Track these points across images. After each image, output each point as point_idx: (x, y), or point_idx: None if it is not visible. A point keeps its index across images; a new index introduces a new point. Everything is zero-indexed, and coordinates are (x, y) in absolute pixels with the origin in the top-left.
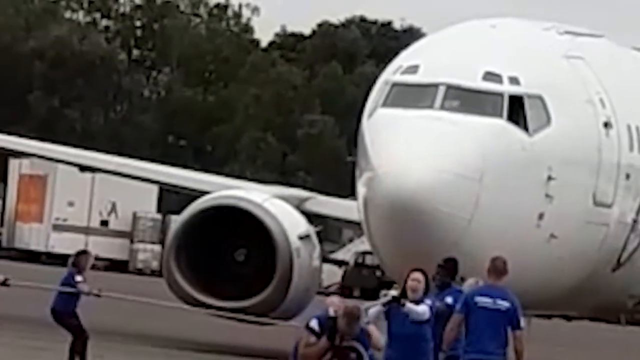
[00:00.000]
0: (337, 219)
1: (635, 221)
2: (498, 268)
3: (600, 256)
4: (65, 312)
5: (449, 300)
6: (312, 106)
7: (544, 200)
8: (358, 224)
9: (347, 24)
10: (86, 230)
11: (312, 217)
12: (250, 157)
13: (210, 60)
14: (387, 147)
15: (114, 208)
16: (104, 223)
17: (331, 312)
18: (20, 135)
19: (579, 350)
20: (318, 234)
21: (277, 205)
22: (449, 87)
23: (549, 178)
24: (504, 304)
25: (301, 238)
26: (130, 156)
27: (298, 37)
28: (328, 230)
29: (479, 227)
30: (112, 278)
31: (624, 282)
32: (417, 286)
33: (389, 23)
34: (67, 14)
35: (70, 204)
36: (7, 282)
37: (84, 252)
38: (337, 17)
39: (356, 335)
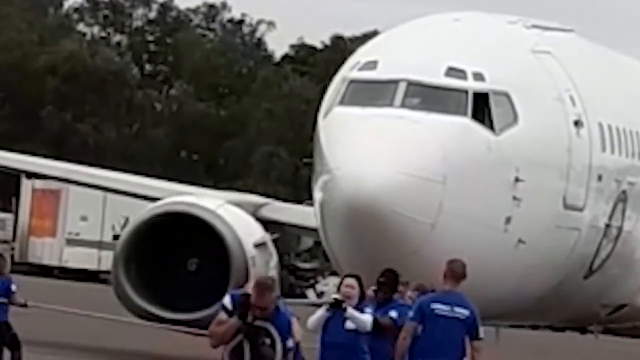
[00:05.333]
0: (295, 226)
1: (608, 225)
2: (457, 272)
3: (571, 263)
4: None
5: (393, 314)
6: None
7: (511, 203)
8: (316, 230)
9: (361, 37)
10: (99, 245)
11: (268, 224)
12: (262, 172)
13: (223, 74)
14: (344, 148)
15: (126, 222)
16: (117, 237)
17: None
18: (32, 153)
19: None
20: (275, 241)
21: (231, 212)
22: (410, 84)
23: (517, 180)
24: (463, 312)
25: (257, 246)
26: (142, 173)
27: (310, 50)
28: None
29: (442, 232)
30: None
31: (597, 290)
32: (351, 292)
33: None
34: (81, 28)
35: (83, 218)
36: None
37: (1, 257)
38: (351, 32)
39: (270, 315)
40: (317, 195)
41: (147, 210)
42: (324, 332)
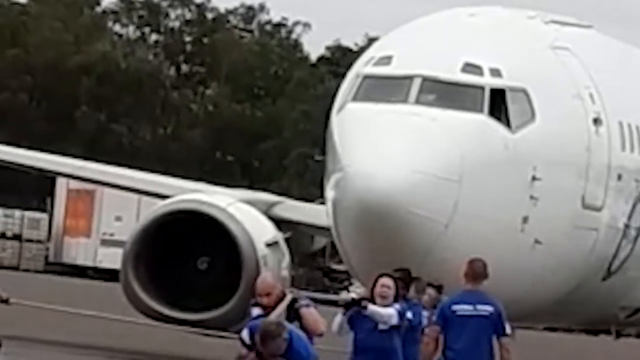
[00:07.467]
0: (308, 225)
1: (627, 226)
2: (477, 271)
3: (590, 264)
4: None
5: (408, 315)
6: None
7: (528, 202)
8: (329, 229)
9: None
10: None
11: (281, 223)
12: (297, 173)
13: (259, 75)
14: (357, 145)
15: None
16: None
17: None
18: (66, 154)
19: None
20: (287, 240)
21: (242, 210)
22: (425, 80)
23: (534, 178)
24: (486, 309)
25: (269, 245)
26: (177, 174)
27: (346, 51)
28: None
29: (456, 231)
30: None
31: (615, 292)
32: (387, 292)
33: None
34: (117, 29)
35: (118, 218)
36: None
37: None
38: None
39: (280, 353)
40: (330, 193)
41: (158, 207)
42: (355, 334)
